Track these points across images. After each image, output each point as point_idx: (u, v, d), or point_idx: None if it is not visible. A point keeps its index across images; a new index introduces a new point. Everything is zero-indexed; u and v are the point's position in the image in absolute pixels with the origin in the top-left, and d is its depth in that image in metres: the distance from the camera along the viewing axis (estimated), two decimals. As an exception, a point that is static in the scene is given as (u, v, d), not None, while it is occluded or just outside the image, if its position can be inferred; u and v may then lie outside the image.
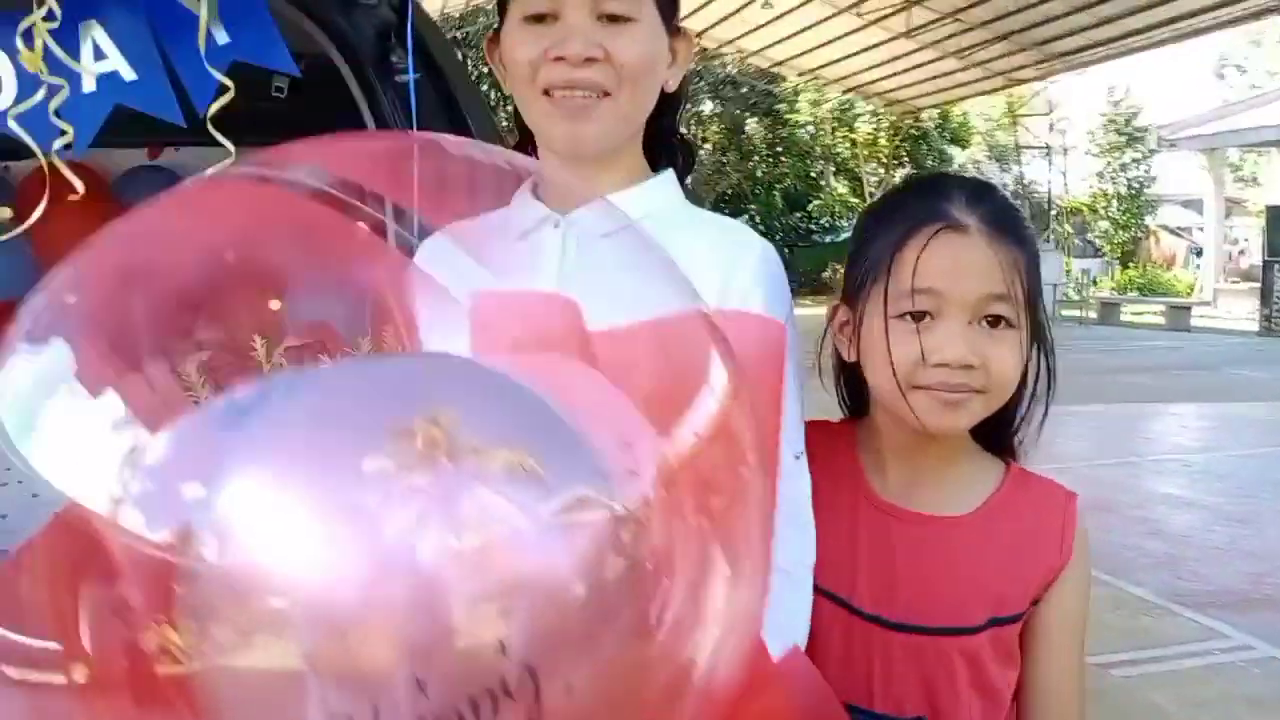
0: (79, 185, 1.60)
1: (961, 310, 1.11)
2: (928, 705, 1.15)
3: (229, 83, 1.42)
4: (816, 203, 32.48)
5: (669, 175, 1.22)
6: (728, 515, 0.65)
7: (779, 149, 30.87)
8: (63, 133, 1.48)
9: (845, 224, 33.33)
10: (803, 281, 34.88)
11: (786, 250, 36.45)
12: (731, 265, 1.12)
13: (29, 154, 1.59)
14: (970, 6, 20.95)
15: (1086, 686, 3.79)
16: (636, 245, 1.10)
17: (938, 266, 1.11)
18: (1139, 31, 19.91)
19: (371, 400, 0.58)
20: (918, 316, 1.12)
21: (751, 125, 30.77)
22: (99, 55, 1.46)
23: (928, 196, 1.17)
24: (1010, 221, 1.16)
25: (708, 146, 30.45)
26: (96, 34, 1.46)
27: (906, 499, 1.20)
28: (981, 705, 1.18)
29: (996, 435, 1.26)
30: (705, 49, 29.12)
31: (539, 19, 1.12)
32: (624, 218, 1.11)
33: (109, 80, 1.46)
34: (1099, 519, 6.13)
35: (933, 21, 22.03)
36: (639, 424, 0.63)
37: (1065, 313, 22.26)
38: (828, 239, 34.30)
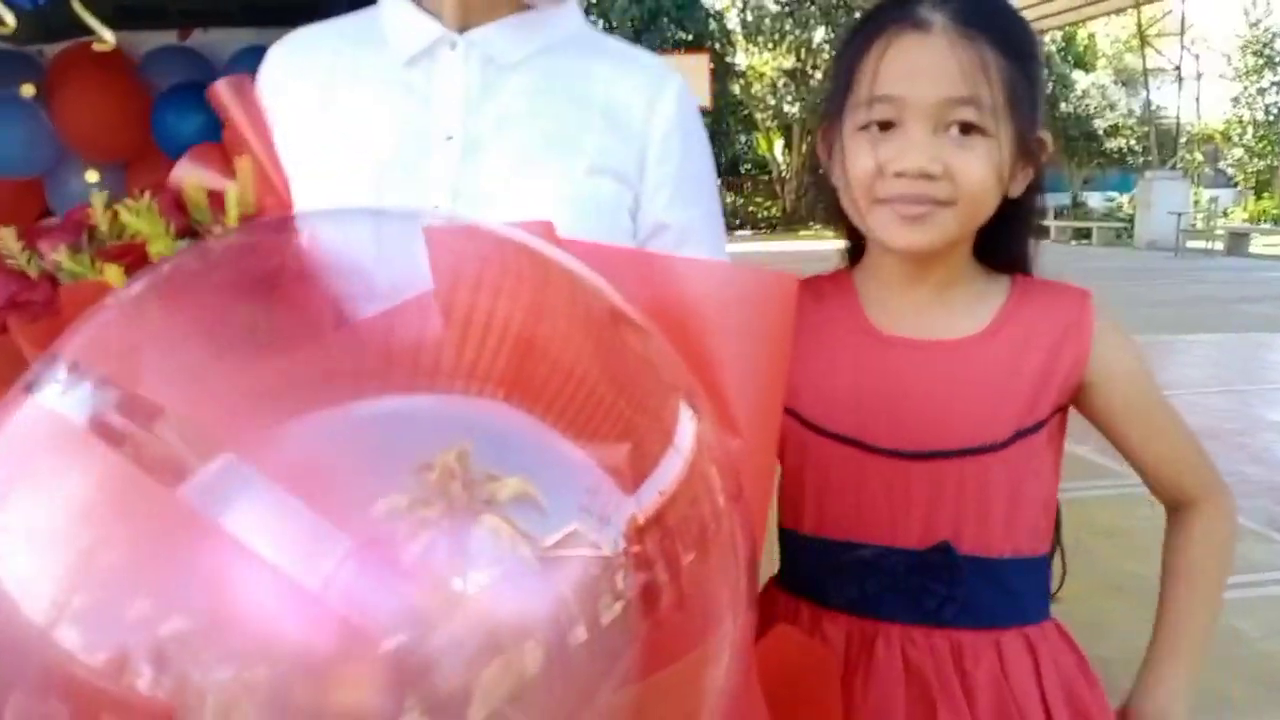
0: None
1: (922, 116, 1.01)
2: (952, 533, 1.09)
3: None
4: (930, 131, 31.50)
5: None
6: (707, 555, 0.64)
7: (892, 75, 29.99)
8: None
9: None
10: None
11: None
12: (653, 100, 1.05)
13: (60, 37, 1.58)
14: (1099, -82, 19.95)
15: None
16: (551, 79, 1.03)
17: (897, 69, 1.02)
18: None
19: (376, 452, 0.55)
20: (883, 126, 1.03)
21: (864, 51, 29.95)
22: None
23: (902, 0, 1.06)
24: (987, 17, 1.03)
25: (818, 74, 29.74)
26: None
27: (911, 329, 1.13)
28: (1014, 524, 1.12)
29: (999, 251, 1.17)
30: (817, -29, 28.40)
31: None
32: (535, 40, 1.04)
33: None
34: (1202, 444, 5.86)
35: (1058, -64, 21.04)
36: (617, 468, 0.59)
37: (1191, 243, 21.22)
38: (941, 168, 33.35)
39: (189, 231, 1.01)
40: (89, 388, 0.58)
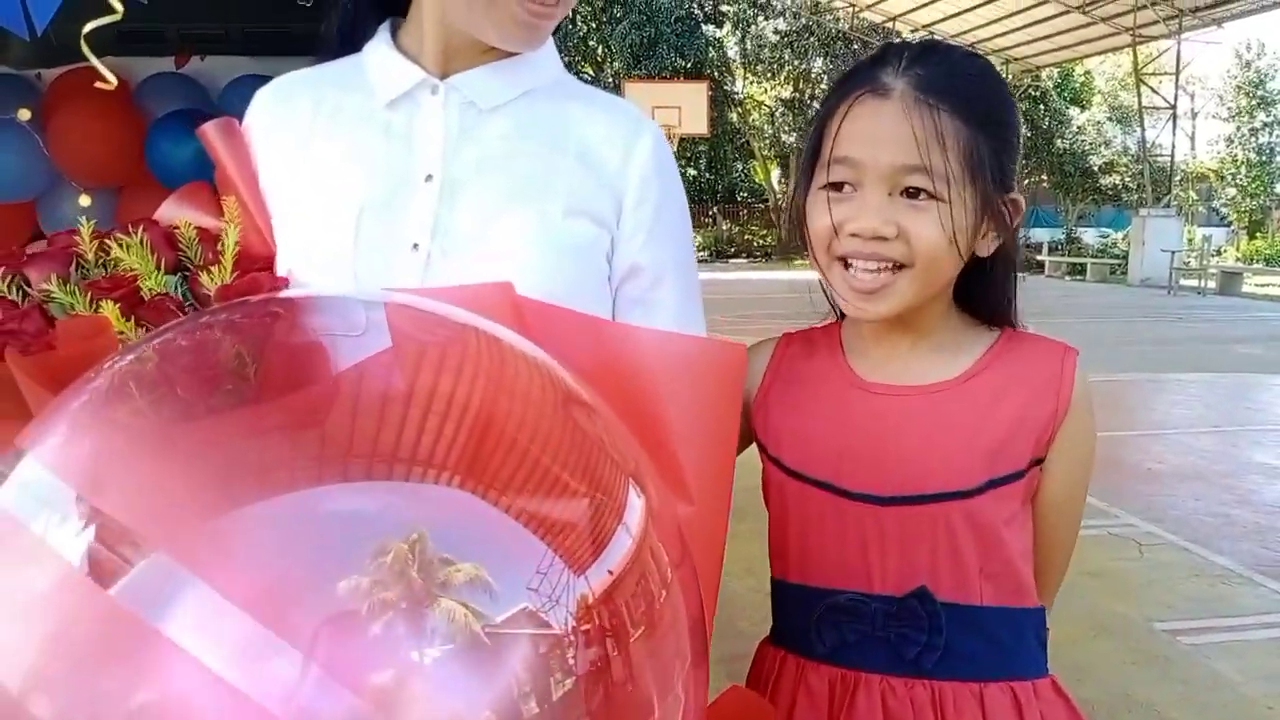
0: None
1: (878, 180, 1.04)
2: (930, 578, 1.09)
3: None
4: (927, 163, 31.65)
5: (551, 42, 1.11)
6: (655, 626, 0.65)
7: (889, 107, 30.18)
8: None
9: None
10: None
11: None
12: (630, 147, 1.07)
13: (59, 61, 1.58)
14: (1097, -41, 20.20)
15: (1153, 653, 3.61)
16: (529, 124, 1.04)
17: (856, 134, 1.05)
18: (1280, -15, 18.89)
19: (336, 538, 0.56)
20: (837, 187, 1.06)
21: (862, 82, 30.15)
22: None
23: (872, 63, 1.09)
24: (949, 85, 1.05)
25: (815, 104, 29.94)
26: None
27: (890, 375, 1.14)
28: (988, 572, 1.10)
29: (981, 302, 1.18)
30: (818, 3, 28.65)
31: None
32: (515, 86, 1.05)
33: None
34: (1188, 486, 5.89)
35: (1055, -26, 21.30)
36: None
37: (1184, 281, 21.33)
38: (936, 201, 33.52)
39: (178, 267, 1.02)
40: (44, 491, 0.58)
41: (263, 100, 1.12)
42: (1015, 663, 1.13)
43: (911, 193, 1.04)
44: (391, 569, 0.53)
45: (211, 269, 0.96)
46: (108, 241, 1.01)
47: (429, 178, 1.01)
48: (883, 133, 1.04)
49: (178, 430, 0.59)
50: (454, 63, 1.05)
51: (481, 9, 1.00)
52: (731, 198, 32.92)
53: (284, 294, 0.76)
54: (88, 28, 1.49)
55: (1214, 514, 5.38)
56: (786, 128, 29.59)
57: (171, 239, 1.04)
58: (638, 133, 1.08)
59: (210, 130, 1.10)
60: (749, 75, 29.73)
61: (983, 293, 1.17)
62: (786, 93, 29.70)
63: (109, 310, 0.89)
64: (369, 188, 1.02)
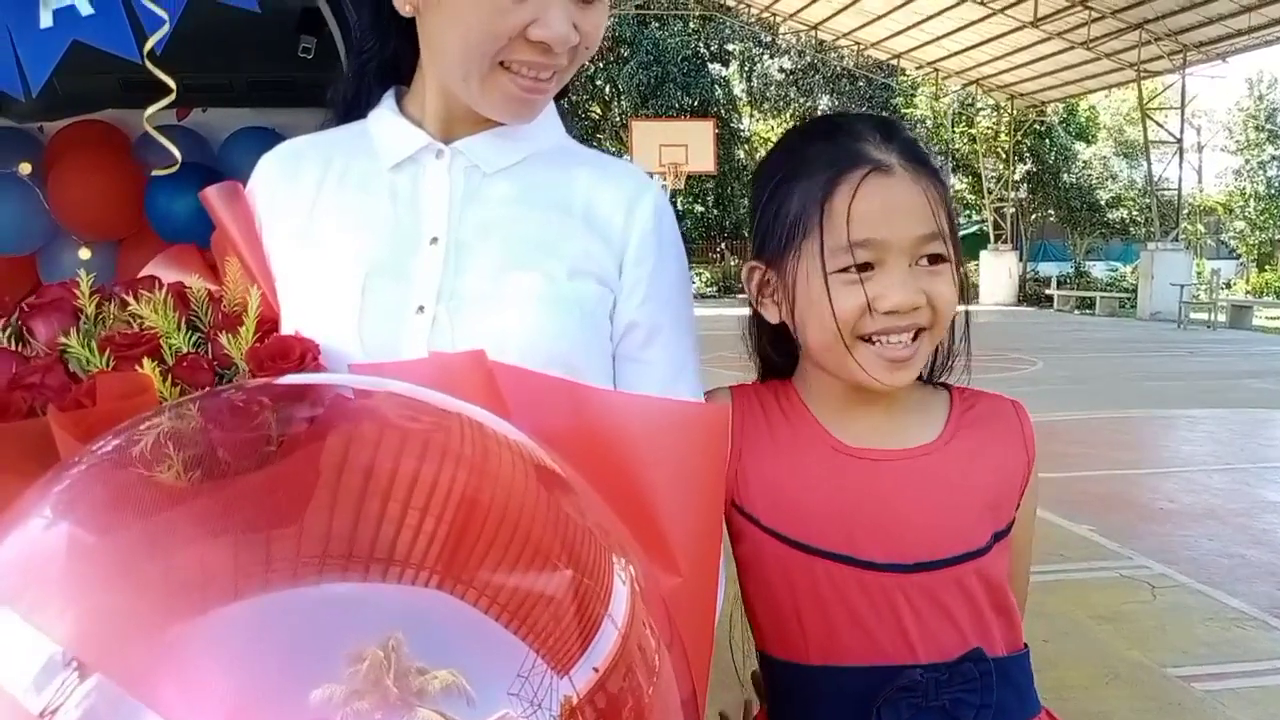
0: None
1: (902, 255, 1.06)
2: (962, 639, 1.10)
3: (165, 14, 1.39)
4: (934, 198, 31.76)
5: (553, 107, 1.13)
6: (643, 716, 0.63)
7: (895, 143, 30.33)
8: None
9: (963, 220, 32.56)
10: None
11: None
12: (632, 208, 1.08)
13: (62, 114, 1.58)
14: (1100, -5, 20.31)
15: (1167, 700, 3.55)
16: (532, 187, 1.05)
17: (872, 213, 1.05)
18: (1283, 21, 18.97)
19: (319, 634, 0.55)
20: (860, 267, 1.06)
21: (868, 119, 30.33)
22: (56, -11, 1.45)
23: (838, 139, 1.11)
24: (923, 153, 1.11)
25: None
26: (53, -34, 1.45)
27: (874, 440, 1.14)
28: (1000, 623, 1.14)
29: (932, 363, 1.21)
30: (822, 41, 28.88)
31: None
32: (518, 150, 1.06)
33: (65, 15, 1.45)
34: (1202, 526, 5.83)
35: (1061, 10, 21.39)
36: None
37: (1194, 315, 21.27)
38: (944, 236, 33.58)
39: (191, 327, 1.01)
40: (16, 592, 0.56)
41: (268, 165, 1.13)
42: (1029, 702, 1.15)
43: (930, 259, 1.08)
44: (367, 677, 0.51)
45: (230, 331, 0.95)
46: (126, 298, 1.01)
47: (434, 240, 1.02)
48: (899, 208, 1.06)
49: (136, 533, 0.57)
50: (457, 128, 1.07)
51: (477, 85, 1.01)
52: (738, 234, 33.00)
53: (252, 382, 0.74)
54: (148, 111, 1.51)
55: (1228, 554, 5.32)
56: (793, 164, 29.76)
57: (184, 298, 1.04)
58: (640, 194, 1.09)
59: (213, 194, 1.11)
60: (755, 113, 29.93)
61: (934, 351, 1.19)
62: (793, 130, 29.89)
63: (150, 369, 0.89)
64: (375, 251, 1.02)
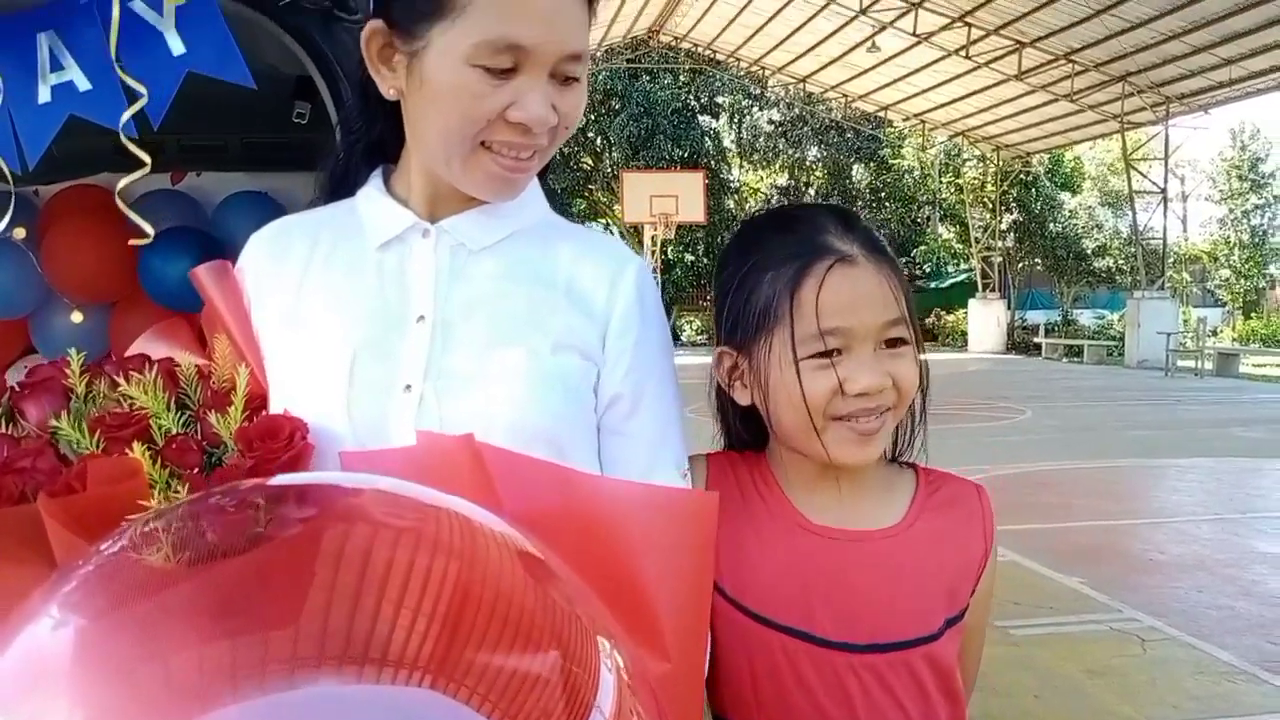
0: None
1: (867, 340, 1.11)
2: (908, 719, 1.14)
3: (142, 89, 1.43)
4: (921, 248, 32.04)
5: (536, 183, 1.15)
6: None
7: (883, 194, 30.61)
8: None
9: (951, 270, 32.78)
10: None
11: (897, 272, 35.92)
12: (615, 282, 1.10)
13: (59, 177, 1.61)
14: (1084, 48, 20.61)
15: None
16: (517, 263, 1.07)
17: (839, 303, 1.10)
18: (1264, 73, 19.27)
19: None
20: (829, 354, 1.11)
21: (856, 170, 30.59)
22: (55, 66, 1.49)
23: (800, 230, 1.16)
24: (881, 242, 1.17)
25: (811, 191, 30.35)
26: (54, 44, 1.48)
27: (837, 519, 1.18)
28: (946, 707, 1.17)
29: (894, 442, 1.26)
30: (810, 94, 29.25)
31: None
32: (502, 228, 1.08)
33: (63, 90, 1.49)
34: (1190, 577, 5.83)
35: (1045, 64, 21.72)
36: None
37: (1181, 363, 21.37)
38: (932, 285, 33.79)
39: (180, 405, 1.02)
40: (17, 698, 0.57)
41: (257, 244, 1.15)
42: None
43: (891, 342, 1.13)
44: None
45: (218, 410, 0.96)
46: (116, 378, 1.02)
47: (421, 318, 1.04)
48: (863, 296, 1.11)
49: (147, 630, 0.58)
50: (442, 207, 1.09)
51: (459, 165, 1.03)
52: (729, 283, 33.18)
53: (252, 483, 0.75)
54: (120, 184, 1.53)
55: (1218, 606, 5.31)
56: (782, 214, 30.00)
57: (173, 375, 1.05)
58: (622, 268, 1.11)
59: (203, 273, 1.13)
60: (744, 163, 30.22)
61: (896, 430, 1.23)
62: (782, 180, 30.16)
63: (139, 452, 0.90)
64: (362, 330, 1.04)
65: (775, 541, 1.16)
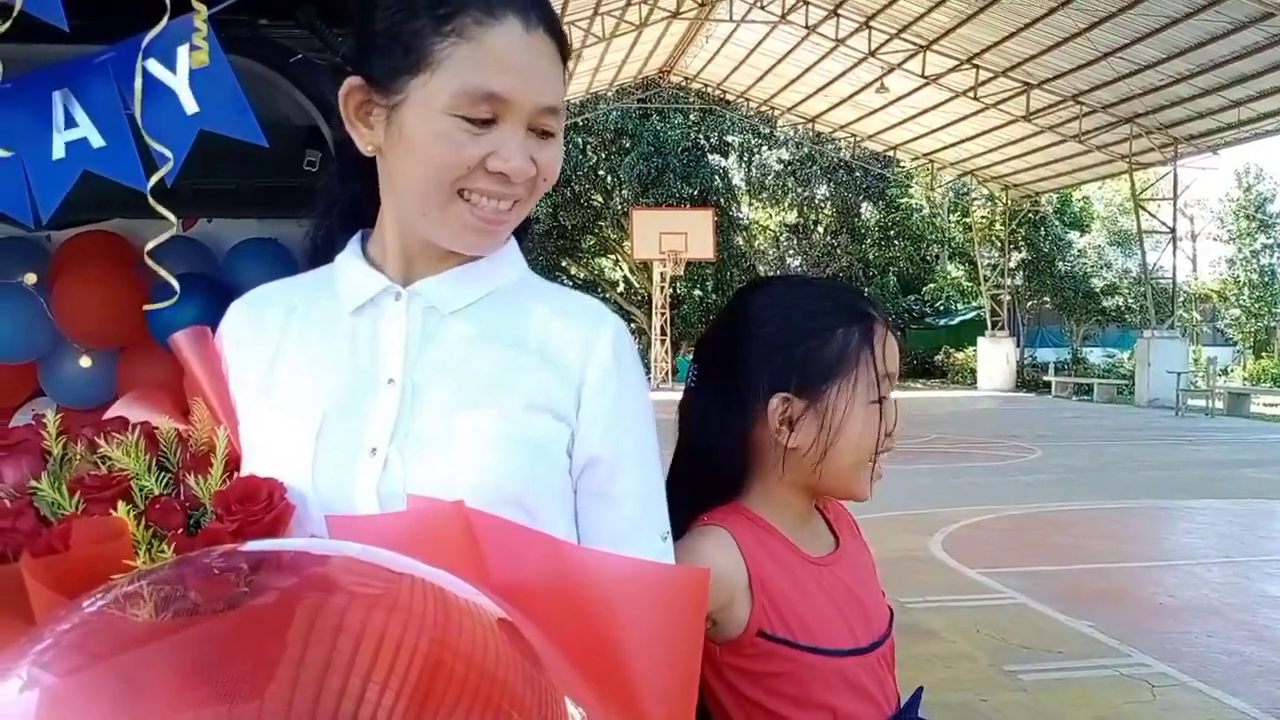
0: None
1: (891, 384, 1.36)
2: (896, 693, 1.36)
3: (169, 154, 1.45)
4: (930, 286, 32.07)
5: (514, 244, 1.16)
6: None
7: (892, 232, 30.68)
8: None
9: (960, 307, 32.78)
10: (915, 363, 34.46)
11: (899, 332, 36.00)
12: (590, 342, 1.09)
13: (71, 223, 1.63)
14: (1092, 90, 20.72)
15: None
16: (490, 325, 1.07)
17: (891, 355, 1.36)
18: (1271, 114, 19.34)
19: None
20: (883, 399, 1.34)
21: (865, 208, 30.70)
22: (70, 123, 1.51)
23: (844, 297, 1.40)
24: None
25: (820, 229, 30.45)
26: (69, 102, 1.51)
27: (815, 549, 1.37)
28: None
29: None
30: (819, 133, 29.43)
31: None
32: (477, 290, 1.08)
33: (77, 147, 1.51)
34: (1201, 622, 5.78)
35: (1053, 105, 21.84)
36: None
37: (1191, 402, 21.29)
38: (941, 322, 33.79)
39: (160, 467, 1.03)
40: None
41: (235, 313, 1.15)
42: None
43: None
44: None
45: (198, 473, 0.97)
46: (96, 439, 1.03)
47: (390, 381, 1.03)
48: (896, 350, 1.38)
49: (117, 696, 0.59)
50: (416, 268, 1.08)
51: (437, 215, 1.03)
52: (738, 320, 33.23)
53: (228, 548, 0.76)
54: (149, 246, 1.56)
55: (1228, 651, 5.26)
56: (792, 250, 30.08)
57: (153, 438, 1.06)
58: (598, 327, 1.10)
59: (181, 339, 1.13)
60: (754, 201, 30.37)
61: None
62: (791, 218, 30.28)
63: (123, 513, 0.90)
64: (332, 393, 1.04)
65: (804, 581, 1.32)
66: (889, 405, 1.35)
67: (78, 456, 1.03)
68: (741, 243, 30.24)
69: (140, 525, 0.89)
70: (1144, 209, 24.20)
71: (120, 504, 0.90)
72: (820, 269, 29.61)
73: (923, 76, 21.32)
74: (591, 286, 29.56)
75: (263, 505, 0.90)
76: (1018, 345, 29.00)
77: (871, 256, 30.39)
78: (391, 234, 1.09)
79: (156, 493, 0.95)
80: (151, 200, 1.45)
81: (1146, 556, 7.74)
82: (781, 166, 30.05)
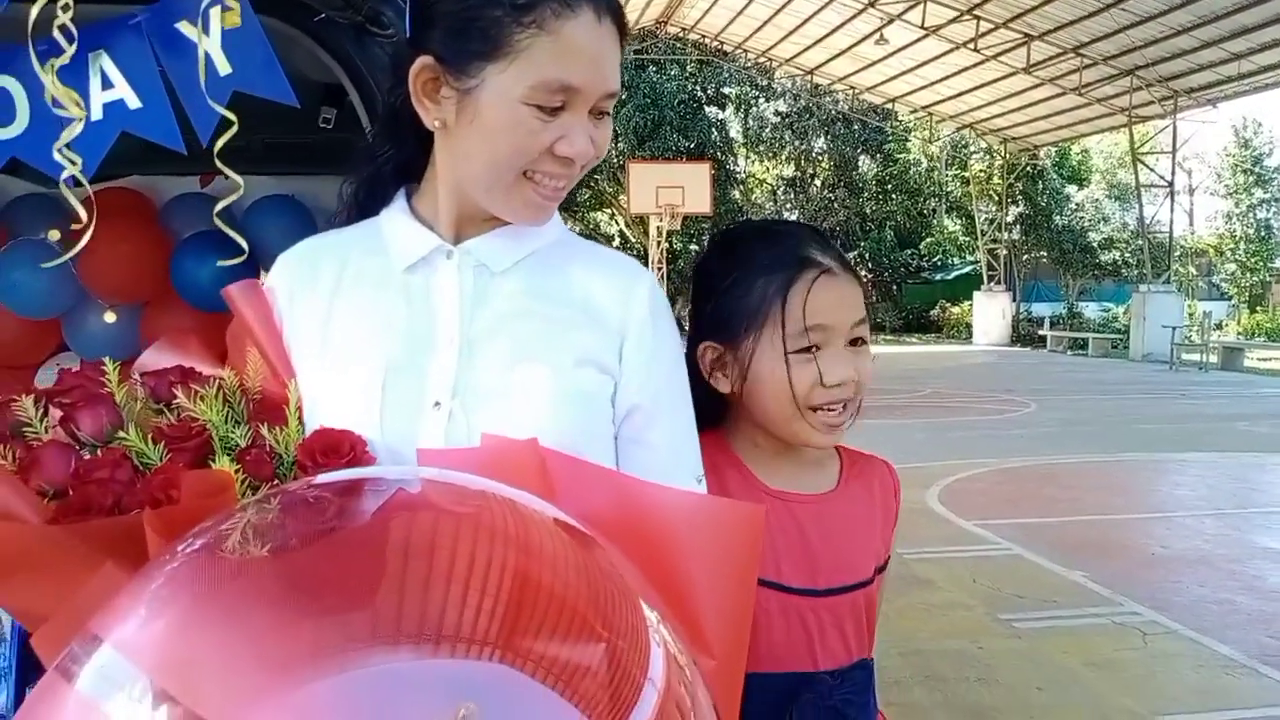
0: (83, 214, 1.69)
1: (840, 337, 1.34)
2: (848, 651, 1.36)
3: (232, 116, 1.49)
4: (927, 240, 32.04)
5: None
6: None
7: (889, 186, 30.58)
8: (72, 163, 1.56)
9: (956, 261, 32.78)
10: (911, 318, 34.53)
11: (895, 287, 36.35)
12: (627, 297, 1.16)
13: (91, 181, 1.67)
14: (1093, 42, 20.58)
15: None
16: (536, 283, 1.14)
17: (824, 305, 1.32)
18: (1272, 67, 19.25)
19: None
20: (811, 349, 1.32)
21: (863, 162, 30.56)
22: (106, 84, 1.55)
23: (784, 243, 1.37)
24: (847, 259, 1.40)
25: (817, 183, 30.35)
26: (104, 63, 1.55)
27: (788, 484, 1.39)
28: (869, 635, 1.41)
29: None
30: (818, 85, 29.24)
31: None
32: (522, 249, 1.14)
33: (115, 108, 1.55)
34: (1192, 572, 5.90)
35: (1054, 57, 21.69)
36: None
37: (1185, 356, 21.40)
38: (938, 277, 33.80)
39: (227, 417, 1.09)
40: (127, 678, 0.65)
41: (286, 265, 1.20)
42: (873, 703, 1.41)
43: (857, 341, 1.36)
44: None
45: (270, 424, 1.03)
46: (173, 390, 1.07)
47: (448, 339, 1.09)
48: (842, 300, 1.34)
49: (238, 613, 0.66)
50: (466, 229, 1.14)
51: (501, 193, 1.09)
52: (735, 274, 33.21)
53: (327, 477, 0.83)
54: (218, 207, 1.60)
55: (1218, 601, 5.38)
56: (789, 204, 29.99)
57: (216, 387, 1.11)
58: (634, 283, 1.17)
59: (235, 290, 1.18)
60: (751, 155, 30.22)
61: None
62: (788, 171, 30.16)
63: (228, 465, 0.96)
64: (393, 349, 1.09)
65: None
66: (829, 356, 1.31)
67: (140, 405, 1.08)
68: (738, 196, 30.13)
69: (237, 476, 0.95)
70: (1142, 162, 24.13)
71: (223, 457, 0.96)
72: (818, 223, 29.55)
73: (922, 28, 21.13)
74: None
75: (347, 458, 0.96)
76: (1014, 300, 29.05)
77: (869, 210, 30.30)
78: (445, 197, 1.14)
79: (242, 445, 1.00)
80: (219, 164, 1.49)
81: (1139, 508, 7.85)
82: (779, 119, 29.87)
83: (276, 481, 0.97)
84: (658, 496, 0.96)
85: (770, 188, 30.16)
